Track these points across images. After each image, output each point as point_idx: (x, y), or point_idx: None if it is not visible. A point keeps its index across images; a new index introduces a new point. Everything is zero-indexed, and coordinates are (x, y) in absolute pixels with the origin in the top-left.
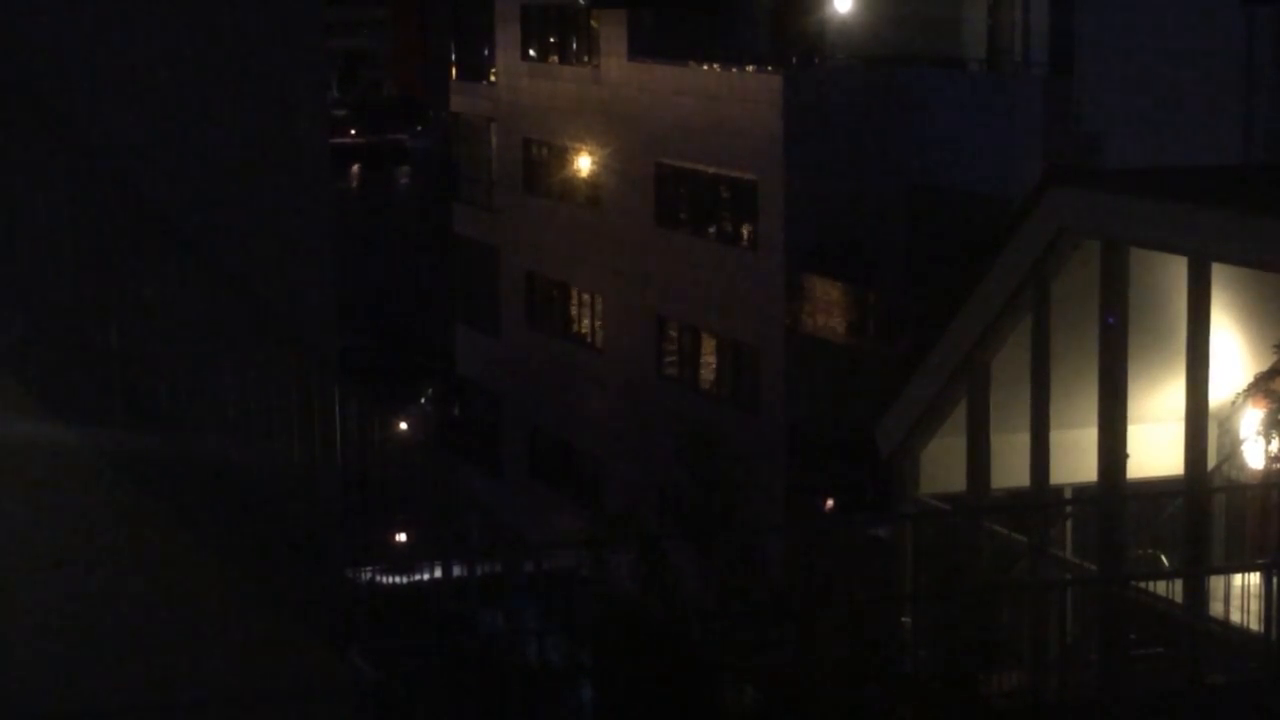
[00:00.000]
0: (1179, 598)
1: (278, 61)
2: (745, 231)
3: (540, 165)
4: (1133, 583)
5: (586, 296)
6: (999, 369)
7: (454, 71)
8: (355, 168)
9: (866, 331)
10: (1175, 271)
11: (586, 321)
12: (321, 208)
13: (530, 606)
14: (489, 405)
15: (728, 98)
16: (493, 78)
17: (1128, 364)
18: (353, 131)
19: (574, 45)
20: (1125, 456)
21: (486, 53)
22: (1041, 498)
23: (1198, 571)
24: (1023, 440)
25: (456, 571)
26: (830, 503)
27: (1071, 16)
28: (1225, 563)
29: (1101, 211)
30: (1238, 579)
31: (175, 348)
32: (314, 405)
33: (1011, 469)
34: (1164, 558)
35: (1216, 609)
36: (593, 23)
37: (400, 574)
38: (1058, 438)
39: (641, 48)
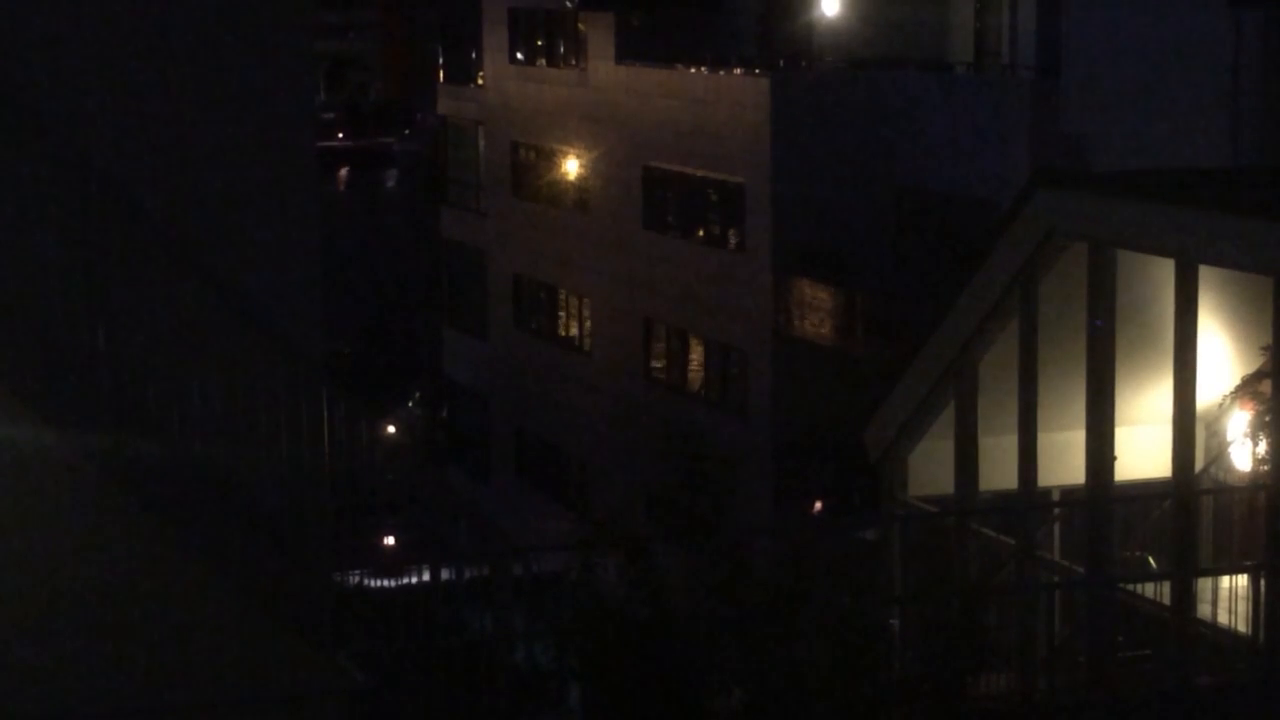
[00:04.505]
0: (1167, 600)
1: (265, 65)
2: (733, 234)
3: (528, 168)
4: (1121, 585)
5: (574, 299)
6: (987, 371)
7: (441, 75)
8: (343, 171)
9: (854, 334)
10: (1162, 274)
11: (574, 324)
12: (309, 211)
13: (518, 609)
14: (477, 408)
15: (715, 101)
16: (480, 81)
17: (1115, 366)
18: (340, 135)
19: (561, 48)
20: (1113, 459)
21: (474, 56)
22: (1029, 500)
23: (1185, 573)
24: (1010, 443)
25: (444, 575)
26: (818, 505)
27: (1059, 19)
28: (1213, 565)
29: (1089, 214)
30: (1225, 581)
31: (163, 351)
32: (301, 409)
33: (999, 471)
34: (1152, 560)
35: (1204, 611)
36: (580, 26)
37: (388, 577)
38: (1045, 440)
39: (629, 51)
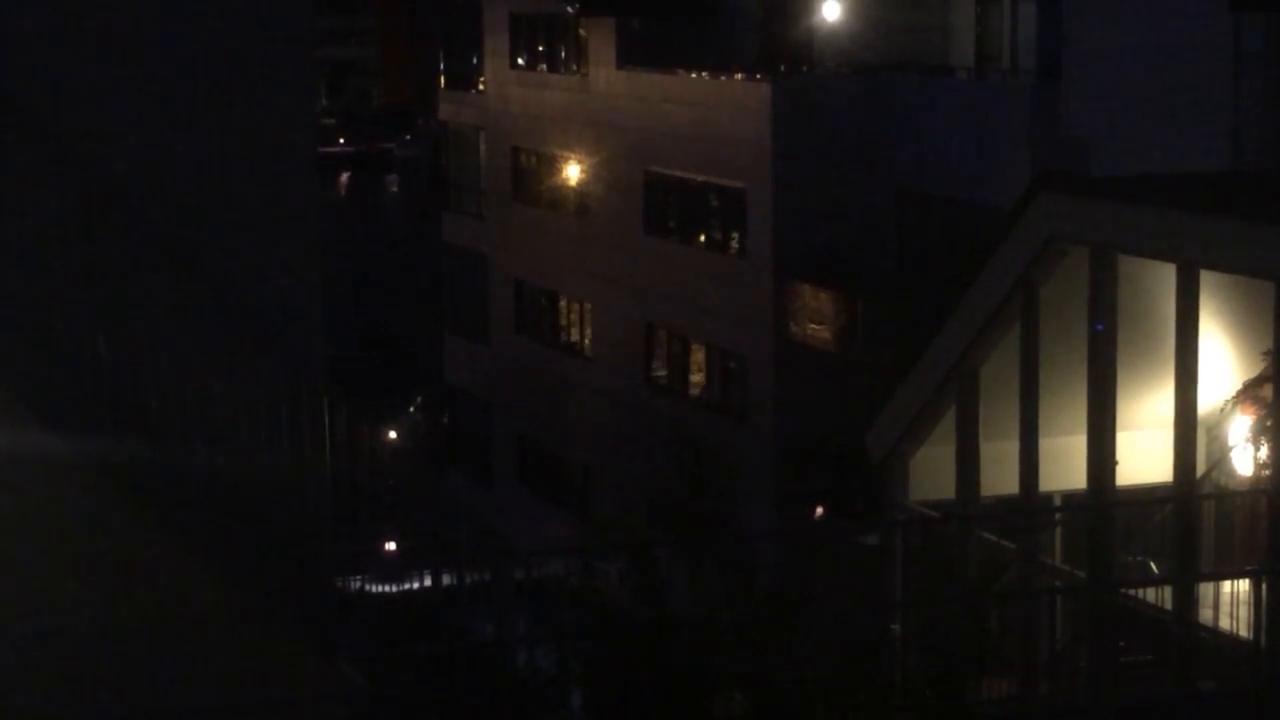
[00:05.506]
0: (1168, 605)
1: (267, 71)
2: (734, 239)
3: (529, 173)
4: (1122, 590)
5: (575, 305)
6: (988, 376)
7: (442, 80)
8: (344, 176)
9: (855, 339)
10: (1164, 278)
11: (575, 330)
12: (309, 216)
13: (520, 614)
14: (478, 413)
15: (716, 106)
16: (481, 86)
17: (1116, 371)
18: (341, 140)
19: (563, 54)
20: (1114, 463)
21: (475, 61)
22: (1031, 505)
23: (1187, 578)
24: (1012, 447)
25: (446, 580)
26: (820, 510)
27: (1059, 23)
28: (1214, 569)
29: (1090, 218)
30: (1226, 586)
31: (164, 356)
32: (303, 414)
33: (1001, 476)
34: (1153, 564)
35: (1206, 616)
36: (581, 31)
37: (390, 582)
38: (1047, 445)
39: (630, 56)
